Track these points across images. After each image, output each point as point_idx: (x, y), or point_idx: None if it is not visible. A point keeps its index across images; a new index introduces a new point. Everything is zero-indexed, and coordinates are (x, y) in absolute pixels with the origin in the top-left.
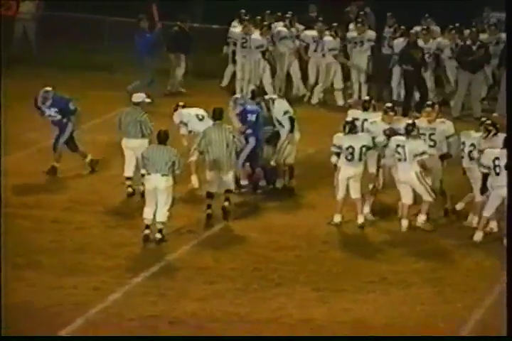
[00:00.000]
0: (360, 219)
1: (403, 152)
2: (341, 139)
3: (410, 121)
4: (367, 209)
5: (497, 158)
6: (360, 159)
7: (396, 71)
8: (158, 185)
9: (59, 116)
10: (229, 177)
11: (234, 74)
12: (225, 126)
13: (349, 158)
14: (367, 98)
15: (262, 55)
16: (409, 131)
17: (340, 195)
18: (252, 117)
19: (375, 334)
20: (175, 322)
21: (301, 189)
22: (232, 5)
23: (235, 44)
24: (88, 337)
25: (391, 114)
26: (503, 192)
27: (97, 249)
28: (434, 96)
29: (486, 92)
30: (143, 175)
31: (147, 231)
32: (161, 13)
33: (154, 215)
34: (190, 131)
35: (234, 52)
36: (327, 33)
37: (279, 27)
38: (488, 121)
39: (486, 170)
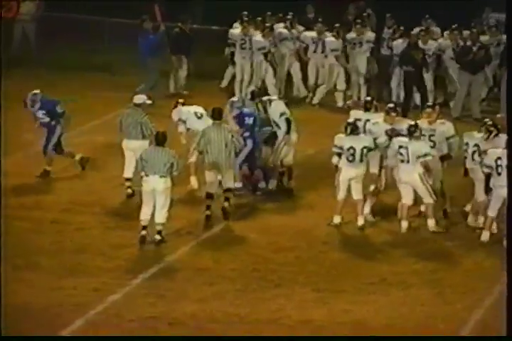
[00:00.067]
0: (360, 221)
1: (406, 153)
2: (342, 140)
3: (413, 123)
4: (367, 209)
5: (499, 158)
6: (361, 160)
7: (396, 72)
8: (157, 187)
9: (47, 119)
10: (229, 177)
11: (234, 76)
12: (224, 125)
13: (350, 159)
14: (368, 98)
15: (264, 57)
16: (412, 132)
17: (340, 195)
18: (249, 120)
19: (375, 335)
20: (174, 323)
21: (301, 190)
22: (232, 5)
23: (234, 45)
24: (88, 337)
25: (393, 114)
26: (504, 192)
27: (96, 250)
28: (433, 97)
29: (486, 93)
30: (142, 177)
31: (144, 232)
32: (164, 14)
33: (151, 217)
34: (188, 129)
35: (233, 54)
36: (327, 33)
37: (280, 28)
38: (490, 122)
39: (488, 170)
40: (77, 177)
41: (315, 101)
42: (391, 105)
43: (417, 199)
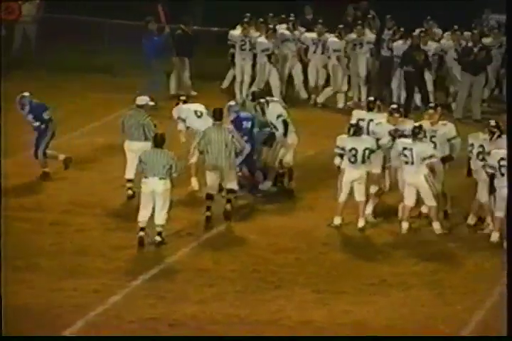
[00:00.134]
0: (361, 223)
1: (410, 155)
2: (344, 141)
3: (417, 124)
4: (369, 210)
5: (502, 159)
6: (363, 161)
7: (397, 73)
8: (156, 189)
9: (37, 123)
10: (230, 178)
11: (235, 77)
12: (224, 126)
13: (352, 160)
14: (371, 98)
15: (268, 59)
16: (417, 134)
17: (342, 197)
18: (247, 124)
19: (376, 336)
20: (175, 324)
21: (301, 191)
22: (232, 5)
23: (234, 46)
24: (88, 337)
25: (396, 115)
26: (504, 192)
27: (96, 252)
28: (433, 98)
29: (488, 94)
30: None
31: (142, 234)
32: (168, 15)
33: (150, 218)
34: (188, 128)
35: (233, 55)
36: (327, 34)
37: (282, 29)
38: (492, 123)
39: (491, 171)
40: (78, 179)
41: (319, 100)
42: (394, 106)
43: (418, 201)
